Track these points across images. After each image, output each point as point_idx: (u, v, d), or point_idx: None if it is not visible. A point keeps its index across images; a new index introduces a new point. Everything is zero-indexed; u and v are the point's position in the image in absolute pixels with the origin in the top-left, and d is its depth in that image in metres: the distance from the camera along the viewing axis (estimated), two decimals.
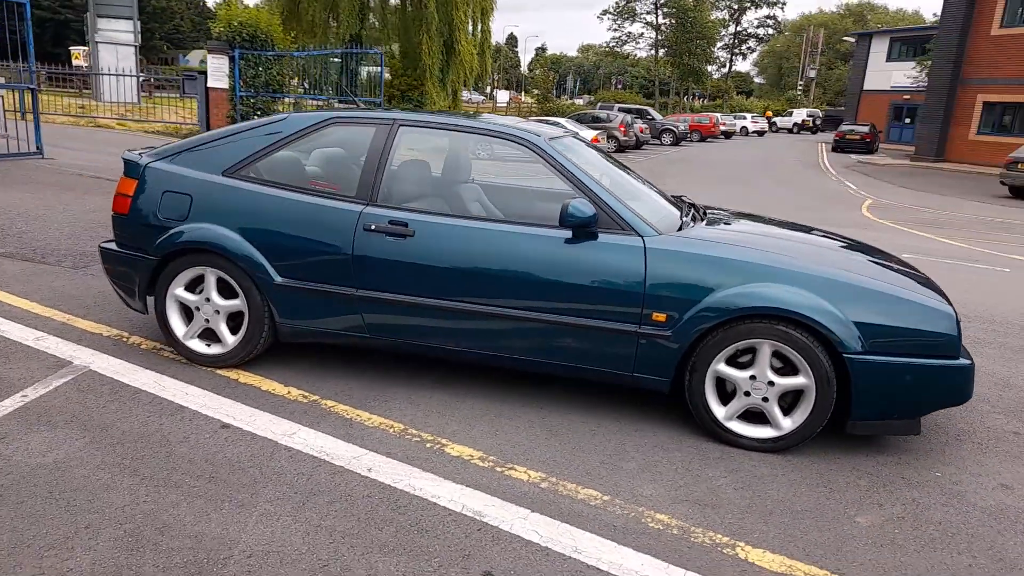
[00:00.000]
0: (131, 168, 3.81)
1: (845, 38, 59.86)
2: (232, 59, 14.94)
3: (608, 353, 3.29)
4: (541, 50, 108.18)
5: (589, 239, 3.27)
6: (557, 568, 2.34)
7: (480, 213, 3.79)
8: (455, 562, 2.34)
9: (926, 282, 3.49)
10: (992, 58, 25.73)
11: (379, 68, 18.32)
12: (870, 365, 3.04)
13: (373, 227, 3.43)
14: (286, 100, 16.79)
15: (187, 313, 3.78)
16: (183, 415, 3.22)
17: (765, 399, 3.19)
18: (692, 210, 3.98)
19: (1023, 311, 5.98)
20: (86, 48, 30.17)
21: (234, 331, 3.73)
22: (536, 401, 3.61)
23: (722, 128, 38.93)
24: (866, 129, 32.94)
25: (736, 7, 66.34)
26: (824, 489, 2.96)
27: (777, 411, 3.19)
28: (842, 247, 3.85)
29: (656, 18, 60.08)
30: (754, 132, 45.22)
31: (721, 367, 3.20)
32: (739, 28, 68.45)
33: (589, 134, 19.04)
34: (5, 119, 11.48)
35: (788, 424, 3.18)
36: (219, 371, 3.71)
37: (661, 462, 3.10)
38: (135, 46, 27.52)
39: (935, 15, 39.63)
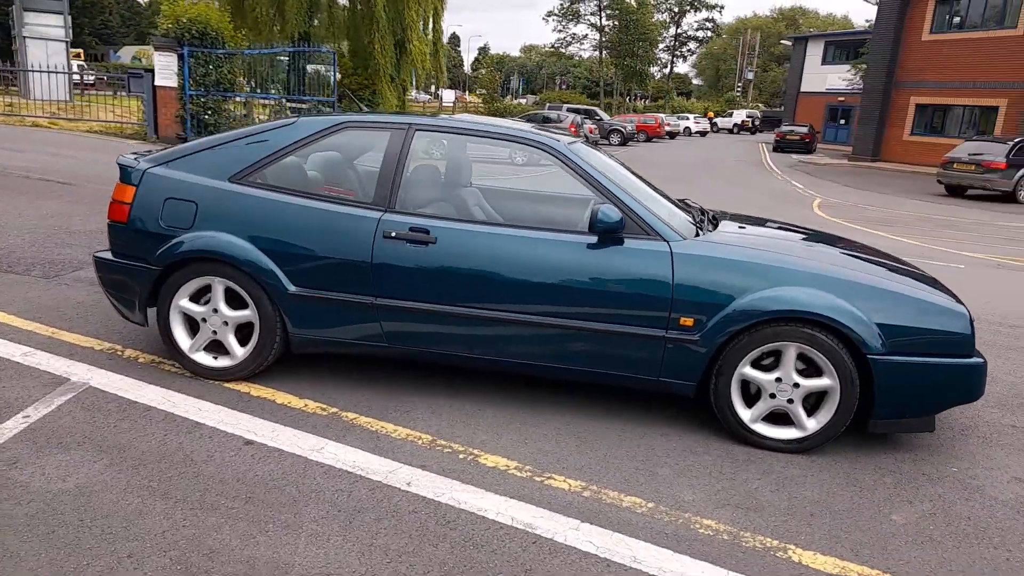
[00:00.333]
0: (128, 174, 3.63)
1: (783, 41, 61.74)
2: (181, 56, 14.47)
3: (634, 358, 3.29)
4: (484, 50, 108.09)
5: (615, 244, 3.27)
6: None
7: (482, 217, 3.74)
8: None
9: (934, 283, 3.60)
10: (923, 62, 26.88)
11: (328, 67, 18.00)
12: (892, 365, 3.12)
13: (393, 234, 3.35)
14: (237, 99, 16.36)
15: (191, 325, 3.63)
16: (201, 432, 3.08)
17: (790, 400, 3.24)
18: (701, 214, 4.02)
19: (988, 307, 6.25)
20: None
21: (242, 343, 3.59)
22: (558, 407, 3.59)
23: (667, 129, 39.60)
24: (805, 130, 33.98)
25: (676, 10, 67.66)
26: (854, 488, 3.02)
27: (802, 412, 3.25)
28: (850, 250, 3.93)
29: (600, 19, 60.83)
30: (697, 132, 46.11)
31: (747, 370, 3.24)
32: (679, 30, 69.84)
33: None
34: None
35: (812, 425, 3.24)
36: (227, 385, 3.56)
37: (694, 466, 3.11)
38: (66, 41, 26.30)
39: (867, 21, 41.29)
